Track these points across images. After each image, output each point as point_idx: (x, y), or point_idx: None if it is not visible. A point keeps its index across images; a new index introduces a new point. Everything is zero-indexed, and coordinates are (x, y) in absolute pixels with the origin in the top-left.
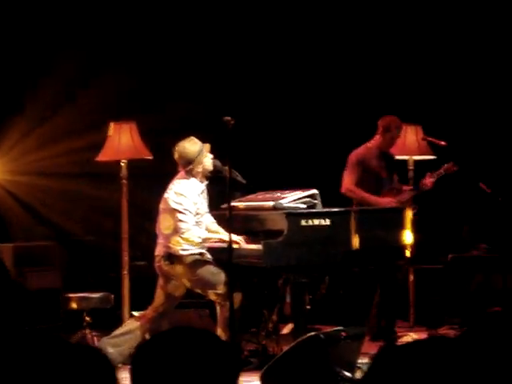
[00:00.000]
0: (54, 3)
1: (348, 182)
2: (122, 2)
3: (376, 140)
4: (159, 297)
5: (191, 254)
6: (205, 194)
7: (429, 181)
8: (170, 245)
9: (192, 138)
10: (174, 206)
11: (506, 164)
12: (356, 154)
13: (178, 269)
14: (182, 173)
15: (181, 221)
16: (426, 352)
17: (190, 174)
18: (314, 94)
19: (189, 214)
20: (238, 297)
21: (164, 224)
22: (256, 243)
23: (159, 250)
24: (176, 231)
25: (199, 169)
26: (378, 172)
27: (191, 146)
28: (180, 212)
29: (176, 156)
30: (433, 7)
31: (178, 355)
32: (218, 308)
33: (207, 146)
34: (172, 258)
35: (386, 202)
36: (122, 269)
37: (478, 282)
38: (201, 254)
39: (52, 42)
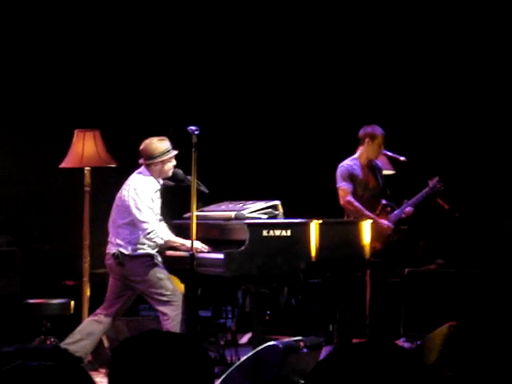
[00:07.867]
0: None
1: (344, 194)
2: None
3: (362, 151)
4: (110, 295)
5: (142, 255)
6: (159, 195)
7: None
8: (123, 243)
9: (165, 138)
10: (132, 203)
11: (463, 180)
12: (344, 166)
13: (127, 268)
14: (140, 169)
15: (142, 221)
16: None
17: (148, 169)
18: (278, 105)
19: (148, 211)
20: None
21: (118, 222)
22: (215, 253)
23: (109, 248)
24: (134, 230)
25: (158, 166)
26: (367, 182)
27: (159, 142)
28: (139, 209)
29: (141, 147)
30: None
31: (155, 358)
32: (160, 319)
33: (174, 153)
34: (122, 257)
35: (383, 223)
36: (83, 276)
37: (433, 295)
38: (151, 256)
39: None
